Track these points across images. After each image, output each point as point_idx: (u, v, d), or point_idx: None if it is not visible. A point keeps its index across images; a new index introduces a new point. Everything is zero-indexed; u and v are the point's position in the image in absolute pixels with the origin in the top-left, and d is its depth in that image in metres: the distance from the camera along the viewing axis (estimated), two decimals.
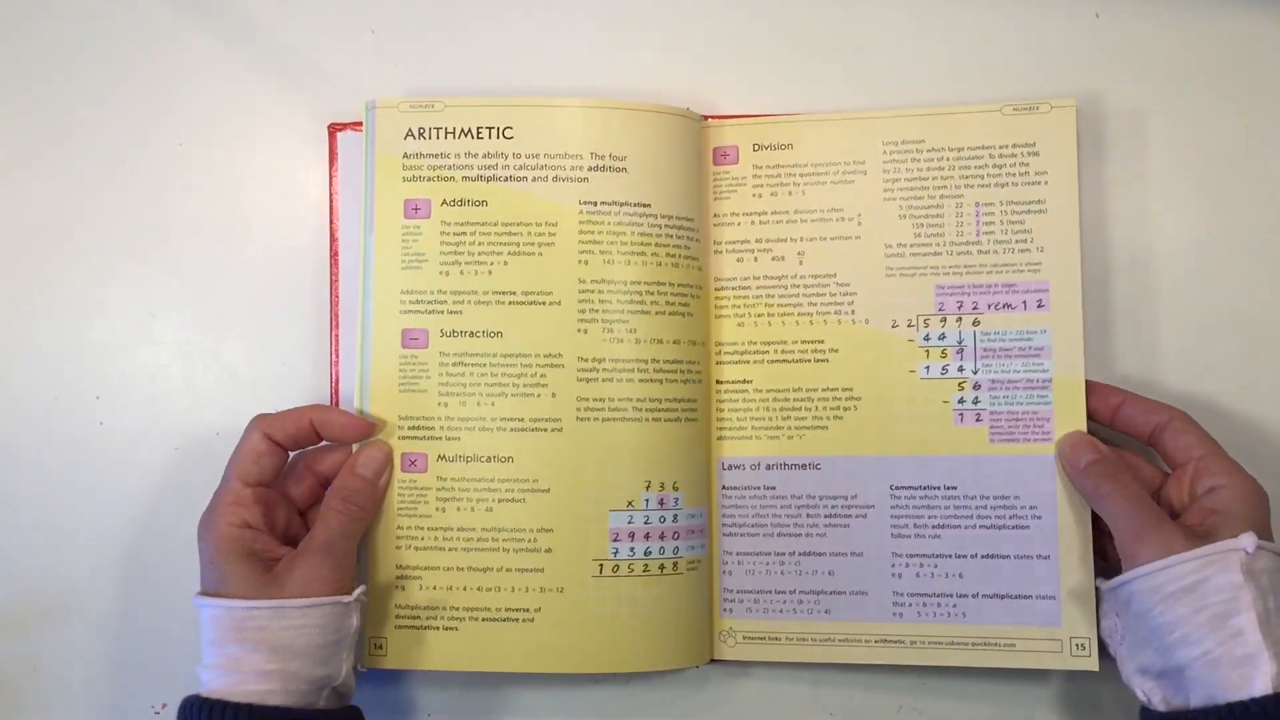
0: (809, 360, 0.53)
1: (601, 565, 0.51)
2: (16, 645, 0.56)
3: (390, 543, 0.51)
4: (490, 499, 0.51)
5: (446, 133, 0.52)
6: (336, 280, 0.55)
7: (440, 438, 0.51)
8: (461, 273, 0.52)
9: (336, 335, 0.54)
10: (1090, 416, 0.51)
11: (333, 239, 0.55)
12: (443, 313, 0.52)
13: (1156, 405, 0.50)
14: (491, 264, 0.52)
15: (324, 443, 0.52)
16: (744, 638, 0.53)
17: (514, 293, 0.52)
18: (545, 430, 0.51)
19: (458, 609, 0.51)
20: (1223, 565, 0.43)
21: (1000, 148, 0.52)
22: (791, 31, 0.56)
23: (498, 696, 0.55)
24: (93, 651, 0.55)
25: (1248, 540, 0.44)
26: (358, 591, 0.47)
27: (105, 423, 0.56)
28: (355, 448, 0.51)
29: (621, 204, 0.52)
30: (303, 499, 0.52)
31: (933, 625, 0.51)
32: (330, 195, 0.55)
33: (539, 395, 0.51)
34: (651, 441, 0.51)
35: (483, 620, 0.51)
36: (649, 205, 0.52)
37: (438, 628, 0.51)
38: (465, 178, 0.52)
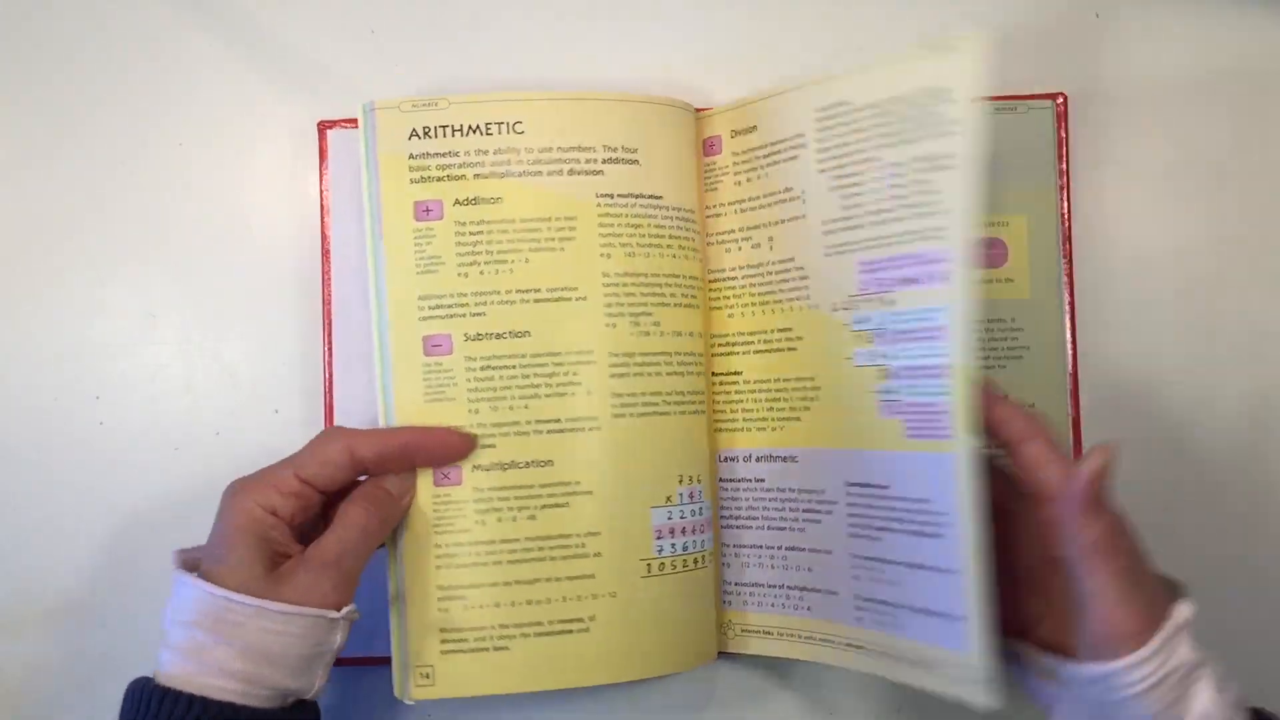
0: (782, 349, 0.51)
1: (649, 564, 0.50)
2: (16, 645, 0.56)
3: (428, 564, 0.49)
4: (532, 506, 0.49)
5: (454, 130, 0.50)
6: (328, 279, 0.55)
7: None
8: (481, 273, 0.50)
9: (329, 335, 0.54)
10: None
11: (324, 238, 0.55)
12: (465, 316, 0.50)
13: (1023, 413, 0.44)
14: (512, 262, 0.50)
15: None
16: (742, 630, 0.52)
17: (539, 290, 0.50)
18: (583, 430, 0.49)
19: (507, 626, 0.49)
20: (1178, 647, 0.40)
21: (913, 97, 0.45)
22: (787, 26, 0.56)
23: (495, 697, 0.54)
24: (93, 651, 0.55)
25: (1187, 611, 0.41)
26: (346, 609, 0.45)
27: (105, 423, 0.56)
28: None
29: (637, 196, 0.51)
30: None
31: (883, 635, 0.48)
32: (321, 194, 0.55)
33: (573, 394, 0.49)
34: (678, 435, 0.51)
35: (535, 636, 0.49)
36: (661, 197, 0.51)
37: (488, 649, 0.49)
38: (477, 175, 0.50)
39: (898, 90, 0.46)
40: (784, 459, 0.51)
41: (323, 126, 0.55)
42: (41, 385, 0.56)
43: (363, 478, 0.49)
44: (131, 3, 0.57)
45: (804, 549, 0.51)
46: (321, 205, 0.55)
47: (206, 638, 0.43)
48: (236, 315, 0.56)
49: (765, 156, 0.51)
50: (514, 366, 0.49)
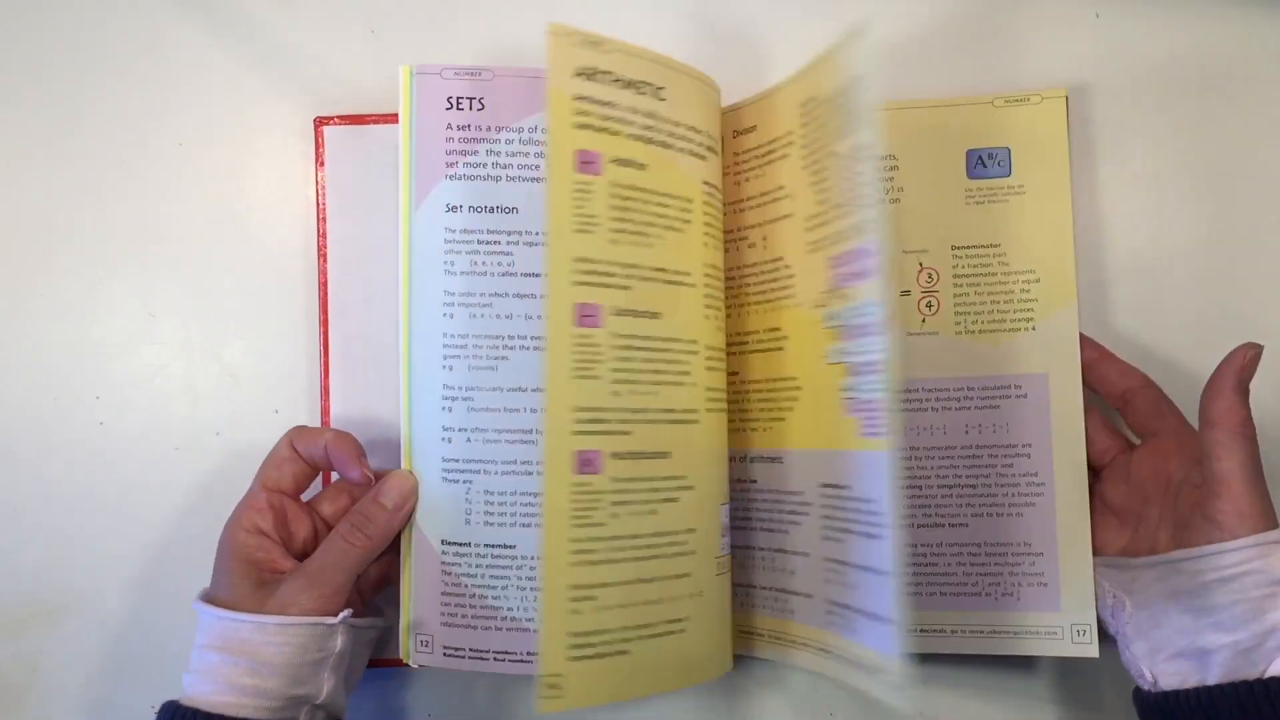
0: (771, 350, 0.51)
1: (720, 563, 0.49)
2: (16, 645, 0.56)
3: (563, 560, 0.44)
4: (654, 500, 0.46)
5: (615, 80, 0.46)
6: (325, 279, 0.54)
7: (614, 432, 0.45)
8: (632, 243, 0.46)
9: (327, 335, 0.54)
10: None
11: (321, 237, 0.55)
12: (614, 288, 0.45)
13: (1131, 368, 0.50)
14: (651, 236, 0.47)
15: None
16: (739, 632, 0.52)
17: (666, 270, 0.47)
18: (691, 422, 0.47)
19: (628, 629, 0.45)
20: (1266, 558, 0.43)
21: (847, 87, 0.45)
22: (794, 26, 0.56)
23: (498, 695, 0.55)
24: (93, 651, 0.56)
25: None
26: (343, 615, 0.47)
27: (105, 423, 0.56)
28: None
29: (717, 188, 0.50)
30: (334, 518, 0.51)
31: (840, 639, 0.48)
32: (318, 192, 0.55)
33: (684, 384, 0.47)
34: (724, 432, 0.50)
35: (648, 638, 0.45)
36: (721, 192, 0.51)
37: (611, 653, 0.45)
38: (630, 135, 0.46)
39: (839, 81, 0.45)
40: (771, 459, 0.51)
41: (319, 123, 0.55)
42: (41, 385, 0.56)
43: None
44: (131, 3, 0.57)
45: (788, 551, 0.50)
46: (318, 204, 0.55)
47: (218, 658, 0.45)
48: (236, 315, 0.56)
49: (762, 156, 0.51)
50: (648, 349, 0.46)
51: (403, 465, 0.50)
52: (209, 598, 0.47)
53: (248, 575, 0.47)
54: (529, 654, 0.49)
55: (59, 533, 0.56)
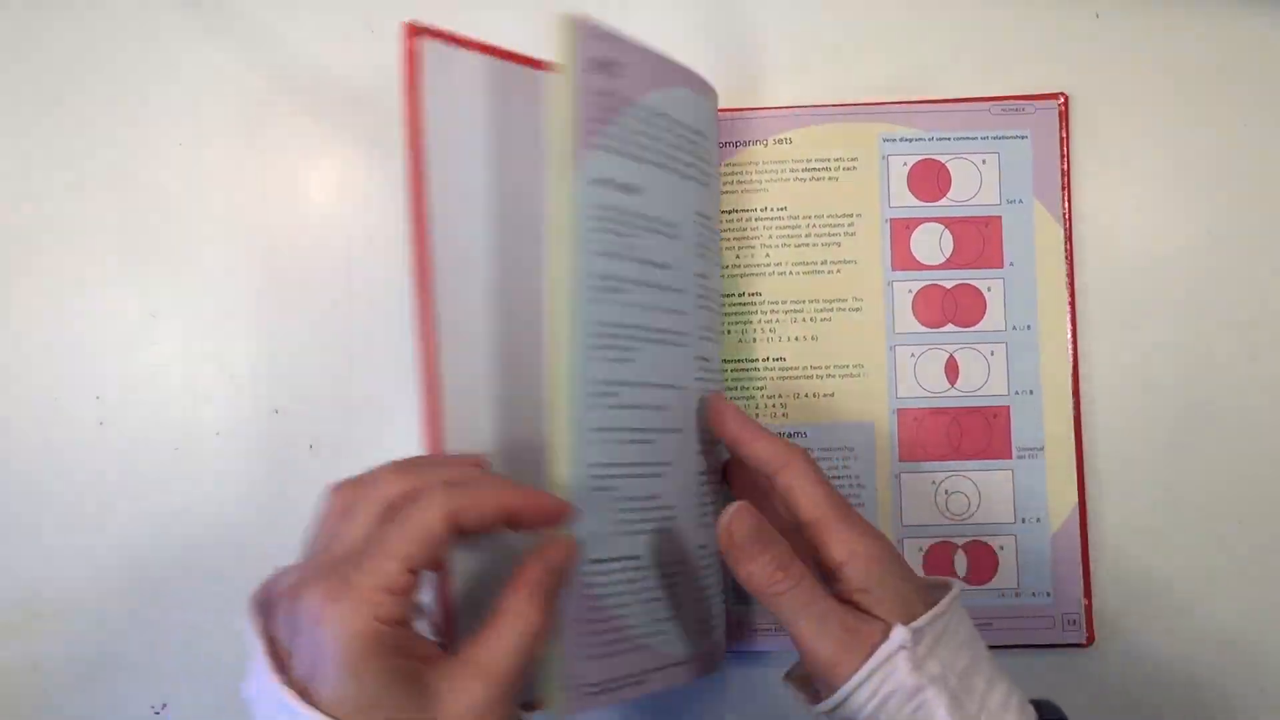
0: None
1: None
2: (16, 645, 0.55)
3: None
4: None
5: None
6: (425, 243, 0.42)
7: None
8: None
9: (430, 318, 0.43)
10: None
11: (419, 198, 0.42)
12: None
13: (777, 445, 0.43)
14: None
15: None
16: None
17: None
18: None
19: None
20: (893, 672, 0.38)
21: None
22: (789, 29, 0.56)
23: None
24: (93, 651, 0.55)
25: (901, 635, 0.38)
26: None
27: (105, 423, 0.56)
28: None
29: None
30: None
31: None
32: (413, 129, 0.43)
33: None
34: None
35: None
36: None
37: None
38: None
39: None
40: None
41: (412, 30, 0.43)
42: (41, 385, 0.56)
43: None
44: (132, 3, 0.57)
45: None
46: (415, 145, 0.43)
47: None
48: (237, 315, 0.56)
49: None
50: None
51: (552, 482, 0.41)
52: (330, 706, 0.33)
53: (407, 684, 0.35)
54: (668, 663, 0.44)
55: (59, 533, 0.55)
